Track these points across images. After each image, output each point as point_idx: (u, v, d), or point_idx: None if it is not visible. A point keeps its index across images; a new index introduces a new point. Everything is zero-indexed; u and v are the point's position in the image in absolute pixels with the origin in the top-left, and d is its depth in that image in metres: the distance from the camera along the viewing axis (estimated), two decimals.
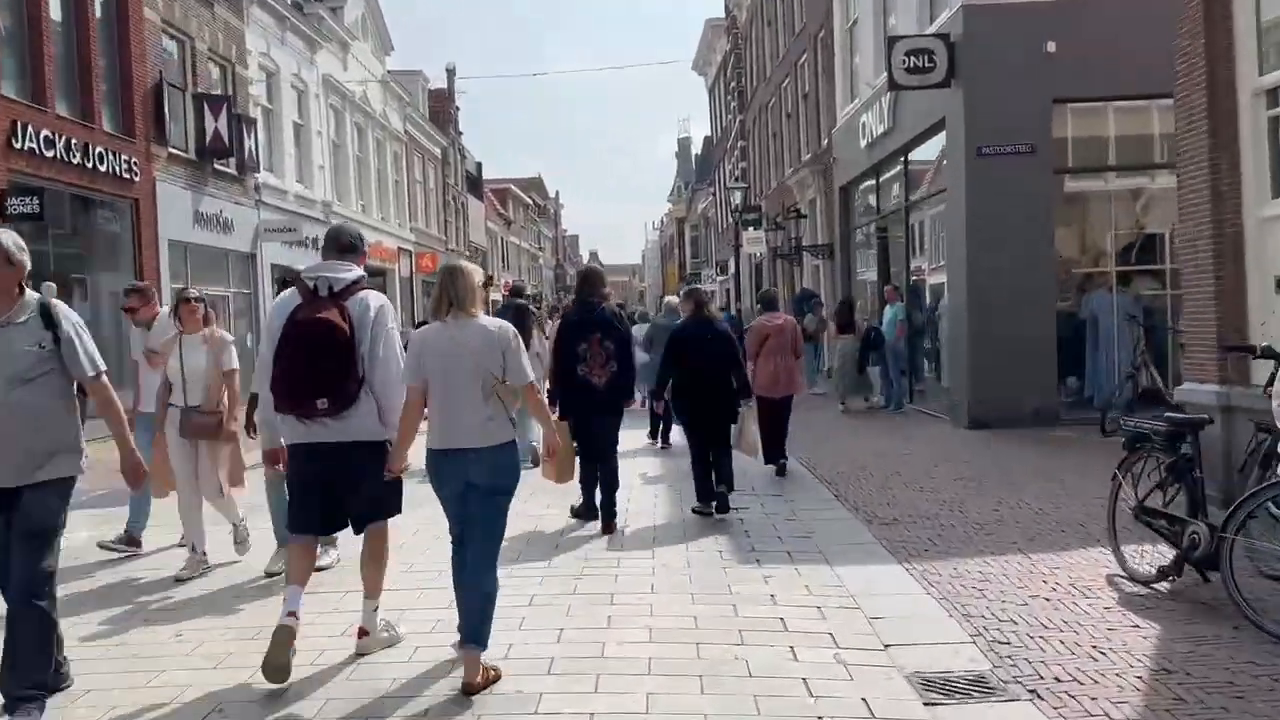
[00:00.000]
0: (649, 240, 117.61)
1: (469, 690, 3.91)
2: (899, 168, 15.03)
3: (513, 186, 61.23)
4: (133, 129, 15.09)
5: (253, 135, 19.12)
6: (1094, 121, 12.09)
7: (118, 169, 14.42)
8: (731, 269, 37.49)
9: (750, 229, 28.24)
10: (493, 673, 4.01)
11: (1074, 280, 12.44)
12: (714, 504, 7.29)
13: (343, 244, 4.50)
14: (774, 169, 27.26)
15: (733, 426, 7.62)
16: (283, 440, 4.42)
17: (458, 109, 42.88)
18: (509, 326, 4.23)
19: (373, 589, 4.47)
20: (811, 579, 5.52)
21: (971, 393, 11.71)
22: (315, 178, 23.30)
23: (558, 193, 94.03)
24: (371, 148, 28.28)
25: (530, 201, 67.92)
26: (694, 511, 7.31)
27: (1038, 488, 8.01)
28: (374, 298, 4.34)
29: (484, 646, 4.02)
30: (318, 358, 4.09)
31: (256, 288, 19.47)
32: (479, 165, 49.75)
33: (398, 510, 4.50)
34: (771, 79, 26.43)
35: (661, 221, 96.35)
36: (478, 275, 4.33)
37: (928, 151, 13.92)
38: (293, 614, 4.08)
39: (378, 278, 28.66)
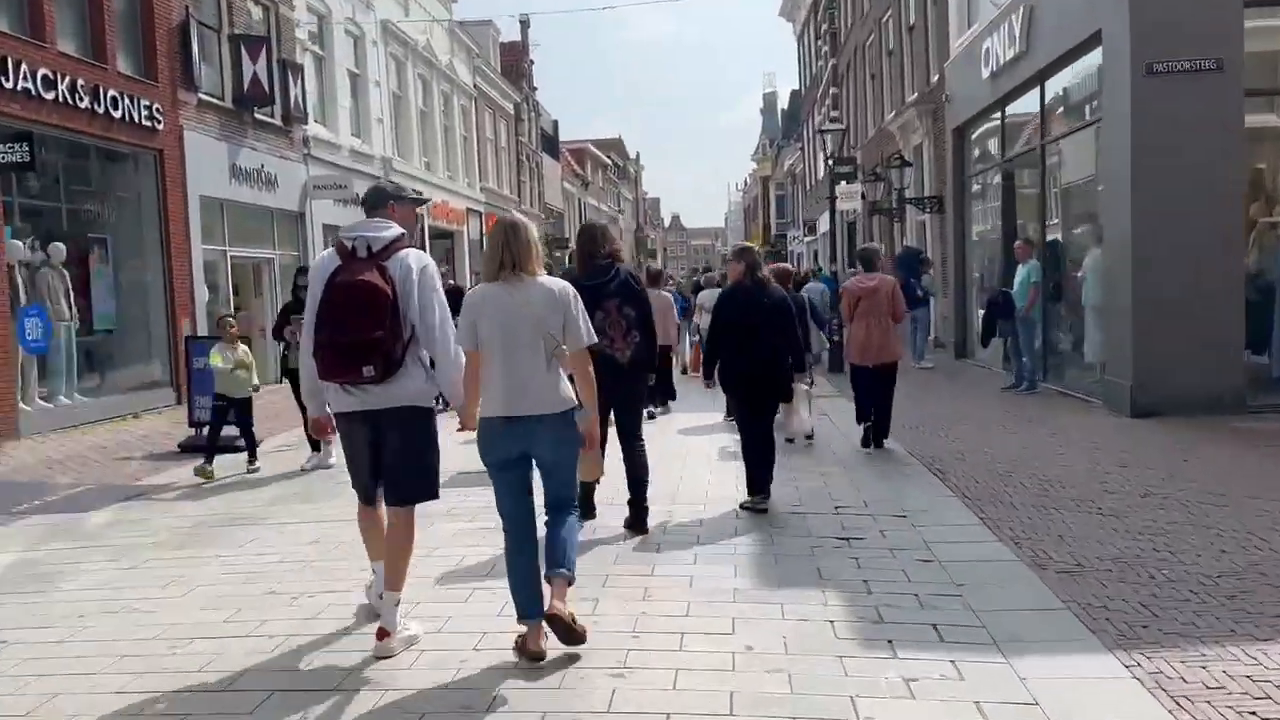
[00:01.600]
0: (732, 202, 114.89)
1: (554, 619, 3.81)
2: (1033, 99, 12.57)
3: (590, 146, 59.26)
4: (155, 71, 13.56)
5: (299, 83, 17.54)
6: None
7: (136, 116, 12.91)
8: (823, 227, 34.96)
9: (844, 182, 25.74)
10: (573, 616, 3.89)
11: (1263, 232, 9.95)
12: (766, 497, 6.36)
13: (377, 200, 4.24)
14: (872, 115, 24.69)
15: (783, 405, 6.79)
16: (329, 408, 4.21)
17: (532, 63, 40.99)
18: (570, 287, 3.98)
19: (395, 581, 4.09)
20: (982, 686, 3.51)
21: (1136, 373, 9.39)
22: (373, 131, 21.71)
23: (638, 154, 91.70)
24: (437, 101, 26.60)
25: (609, 162, 65.89)
26: (742, 507, 6.33)
27: (1276, 510, 5.81)
28: (416, 256, 4.07)
29: (573, 573, 3.93)
30: (361, 323, 3.85)
31: (305, 249, 17.97)
32: (555, 123, 47.86)
33: (433, 494, 4.20)
34: (869, 14, 23.81)
35: (745, 182, 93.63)
36: (535, 231, 4.02)
37: (1072, 76, 11.47)
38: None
39: (444, 240, 27.14)
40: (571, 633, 3.82)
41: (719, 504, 6.59)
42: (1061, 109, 12.00)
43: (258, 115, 16.31)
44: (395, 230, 4.09)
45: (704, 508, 6.50)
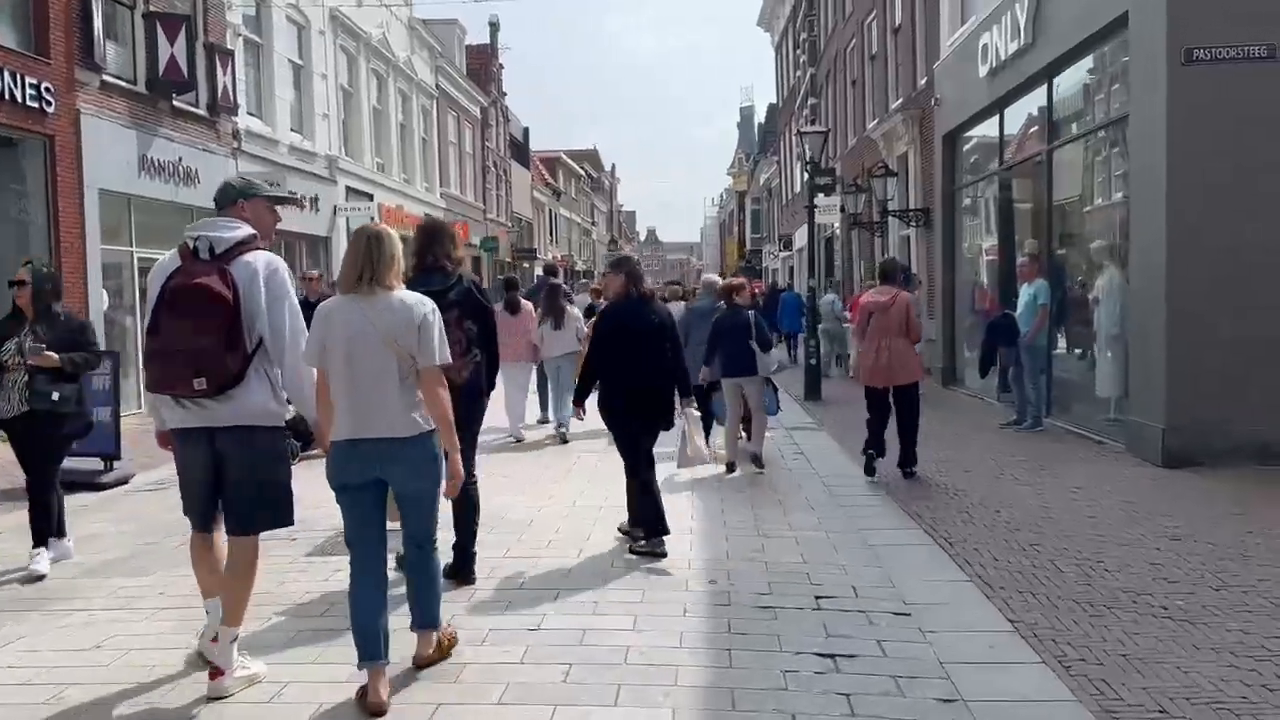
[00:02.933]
0: (707, 217, 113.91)
1: (421, 664, 3.85)
2: (1038, 98, 11.18)
3: (564, 156, 57.74)
4: (46, 46, 11.89)
5: (229, 70, 15.90)
6: None
7: (20, 95, 11.24)
8: (800, 242, 33.63)
9: (822, 194, 24.36)
10: (448, 640, 3.98)
11: None
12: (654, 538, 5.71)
13: (224, 197, 3.93)
14: (853, 124, 23.35)
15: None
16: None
17: (501, 67, 39.50)
18: (427, 301, 3.69)
19: (234, 615, 3.73)
20: None
21: (1169, 413, 7.94)
22: (317, 127, 20.07)
23: (613, 166, 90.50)
24: (393, 100, 25.00)
25: (583, 173, 64.40)
26: (634, 552, 5.69)
27: None
28: (265, 260, 3.75)
29: (439, 625, 3.90)
30: (195, 329, 3.54)
31: None
32: (525, 130, 46.40)
33: (284, 520, 3.85)
34: (851, 16, 22.50)
35: (721, 197, 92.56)
36: (399, 244, 3.72)
37: (1088, 70, 10.08)
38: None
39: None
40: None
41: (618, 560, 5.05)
42: (1073, 109, 10.60)
43: (176, 103, 14.64)
44: (243, 230, 3.77)
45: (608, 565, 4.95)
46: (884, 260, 9.16)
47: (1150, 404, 8.20)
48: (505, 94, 40.18)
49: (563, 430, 10.22)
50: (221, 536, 3.89)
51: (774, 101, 48.02)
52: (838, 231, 24.71)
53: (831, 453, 9.49)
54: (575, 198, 61.94)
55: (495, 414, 7.12)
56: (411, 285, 3.95)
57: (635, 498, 5.84)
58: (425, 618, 3.84)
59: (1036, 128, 11.45)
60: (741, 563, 5.48)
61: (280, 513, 3.82)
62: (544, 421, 11.28)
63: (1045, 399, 10.23)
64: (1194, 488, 7.21)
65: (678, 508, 6.71)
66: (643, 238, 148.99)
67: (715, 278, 10.19)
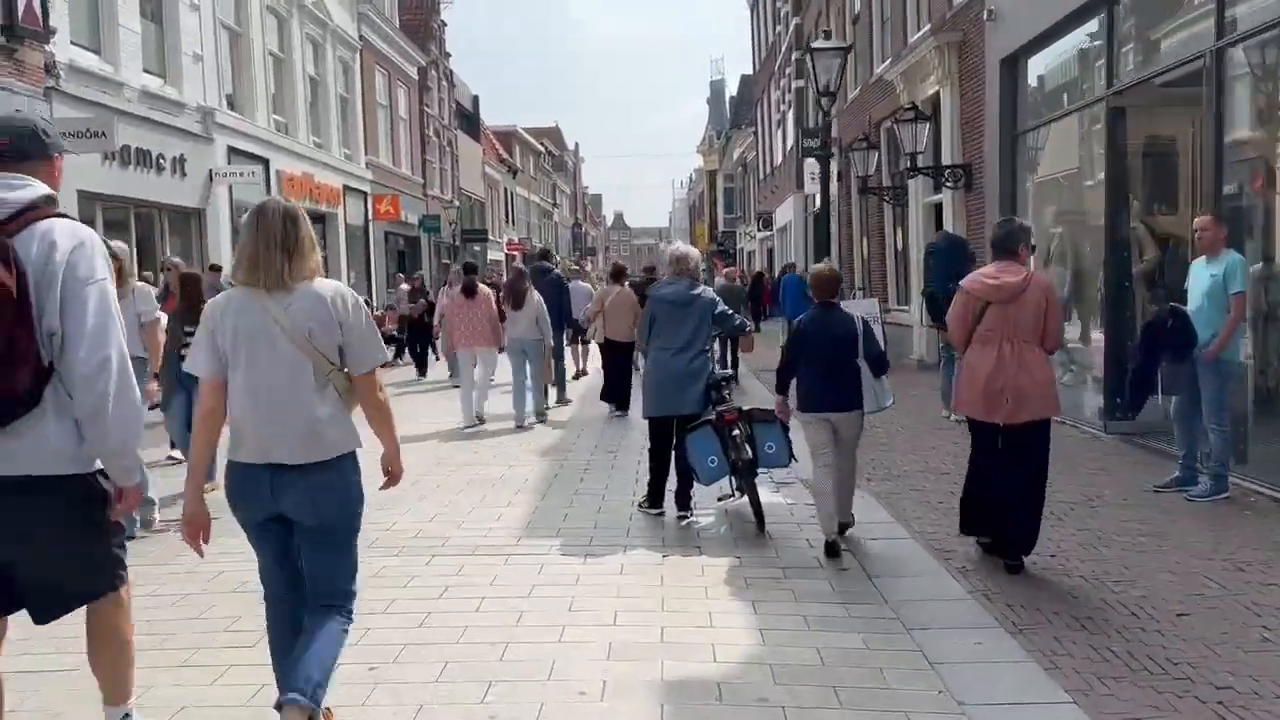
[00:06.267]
0: (676, 200, 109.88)
1: None
2: None
3: (520, 130, 53.36)
4: None
5: None
6: None
7: None
8: (783, 219, 29.76)
9: (813, 160, 20.49)
10: None
11: None
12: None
13: (1, 144, 2.74)
14: (853, 74, 19.42)
15: None
16: None
17: (443, 24, 35.15)
18: (350, 293, 3.00)
19: (119, 692, 2.97)
20: None
21: None
22: (186, 71, 15.81)
23: (577, 145, 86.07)
24: (299, 46, 20.73)
25: (542, 149, 60.08)
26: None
27: None
28: (65, 231, 2.68)
29: (317, 705, 2.84)
30: None
31: None
32: (475, 99, 42.09)
33: (115, 582, 2.87)
34: None
35: (690, 178, 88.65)
36: (309, 223, 3.02)
37: None
38: None
39: (315, 224, 21.21)
40: None
41: None
42: None
43: None
44: (34, 189, 2.70)
45: None
46: (1000, 224, 5.40)
47: None
48: (449, 55, 35.86)
49: (531, 422, 10.27)
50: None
51: (748, 72, 44.26)
52: (833, 203, 20.79)
53: (881, 530, 5.73)
54: (534, 176, 57.66)
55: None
56: None
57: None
58: (302, 684, 2.80)
59: (1190, 19, 7.57)
60: None
61: (103, 576, 2.81)
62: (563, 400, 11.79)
63: (1233, 446, 6.36)
64: None
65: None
66: (609, 222, 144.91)
67: (688, 249, 6.24)
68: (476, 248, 37.23)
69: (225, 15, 17.53)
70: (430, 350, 17.11)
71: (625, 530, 5.86)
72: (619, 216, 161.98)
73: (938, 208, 13.89)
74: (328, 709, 3.05)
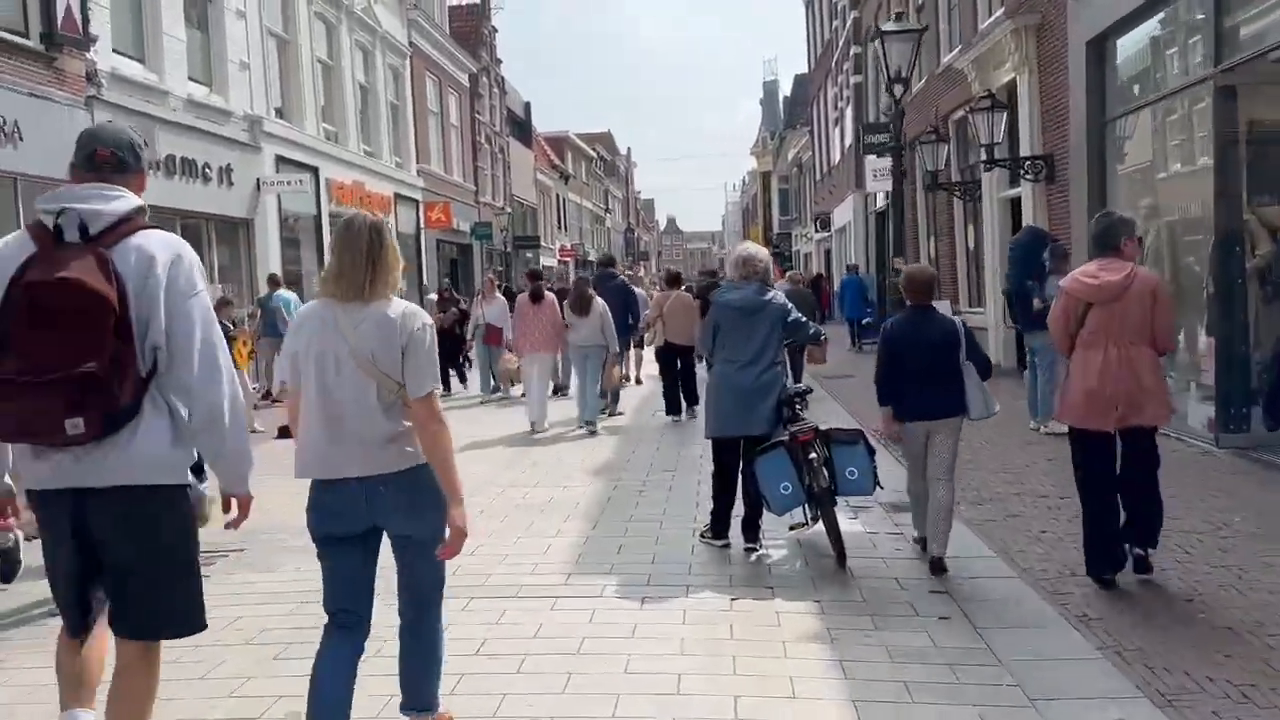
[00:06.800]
0: (729, 203, 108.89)
1: None
2: None
3: (572, 136, 53.03)
4: None
5: None
6: None
7: None
8: (842, 220, 28.87)
9: (874, 157, 19.68)
10: None
11: None
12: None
13: (100, 155, 2.72)
14: (917, 65, 18.55)
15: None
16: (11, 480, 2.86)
17: (494, 30, 34.90)
18: (418, 313, 3.01)
19: None
20: None
21: None
22: (233, 79, 15.58)
23: (629, 150, 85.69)
24: (348, 53, 20.49)
25: (594, 154, 59.70)
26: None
27: None
28: (161, 243, 2.68)
29: (435, 709, 3.15)
30: (64, 344, 2.48)
31: None
32: (527, 106, 41.82)
33: (195, 625, 2.80)
34: None
35: (743, 181, 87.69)
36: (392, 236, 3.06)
37: None
38: None
39: None
40: None
41: None
42: None
43: None
44: (128, 200, 2.69)
45: None
46: (1099, 217, 4.91)
47: None
48: (500, 61, 35.60)
49: (592, 428, 10.21)
50: (103, 638, 2.78)
51: (802, 71, 43.42)
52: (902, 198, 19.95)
53: (982, 567, 5.00)
54: (586, 182, 57.30)
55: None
56: None
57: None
58: (421, 699, 3.12)
59: None
60: None
61: (188, 613, 2.77)
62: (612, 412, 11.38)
63: None
64: None
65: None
66: (662, 226, 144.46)
67: (756, 249, 5.62)
68: (529, 254, 36.90)
69: (273, 22, 17.32)
70: (464, 361, 16.15)
71: (687, 566, 5.22)
72: (671, 221, 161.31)
73: (1014, 202, 13.03)
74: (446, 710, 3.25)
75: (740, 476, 5.43)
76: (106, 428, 2.55)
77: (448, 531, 2.95)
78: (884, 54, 9.94)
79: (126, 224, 2.66)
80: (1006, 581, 4.82)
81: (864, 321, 20.25)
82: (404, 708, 3.14)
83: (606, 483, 7.60)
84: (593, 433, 10.10)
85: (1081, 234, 10.20)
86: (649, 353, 13.01)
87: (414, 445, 2.96)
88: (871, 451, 5.14)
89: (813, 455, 5.02)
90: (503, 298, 13.75)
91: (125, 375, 2.56)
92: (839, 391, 12.25)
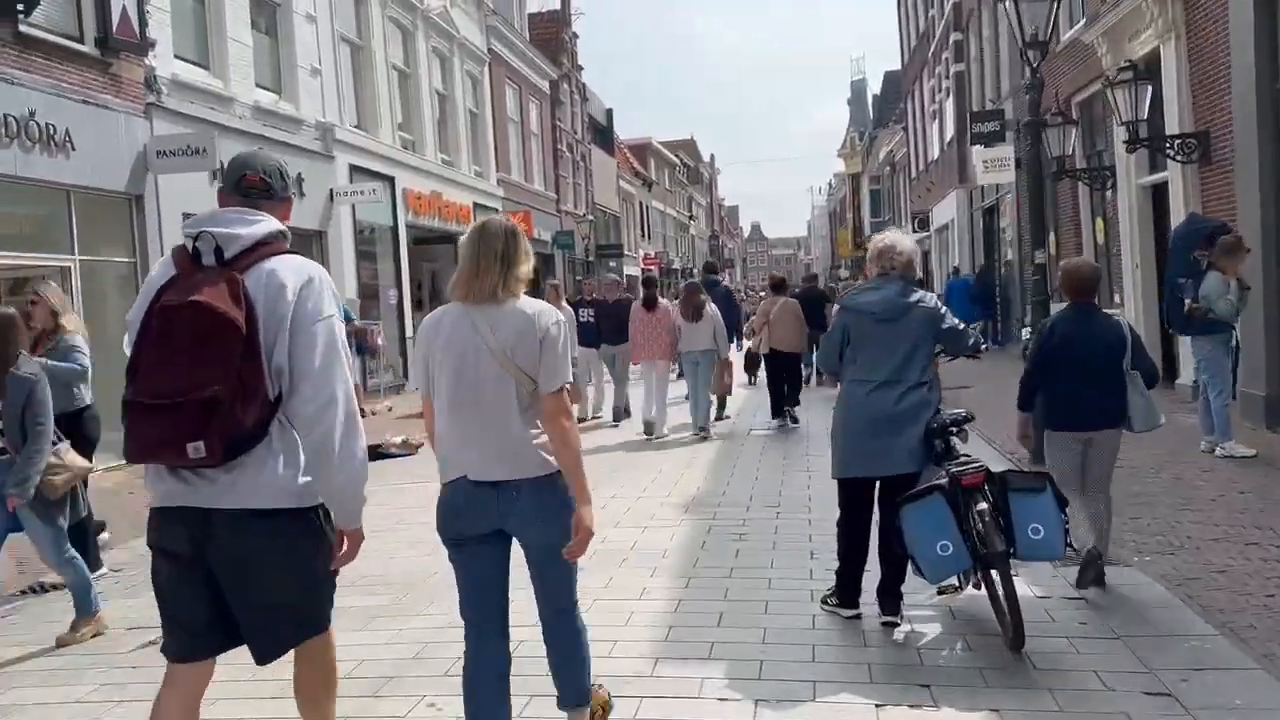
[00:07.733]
0: (815, 208, 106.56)
1: None
2: None
3: (654, 142, 52.10)
4: None
5: None
6: None
7: None
8: (943, 217, 27.18)
9: (982, 146, 18.13)
10: (602, 708, 3.32)
11: None
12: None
13: (249, 181, 2.78)
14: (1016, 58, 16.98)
15: None
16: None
17: (575, 36, 34.18)
18: (551, 311, 3.05)
19: None
20: None
21: None
22: (303, 86, 14.99)
23: (712, 156, 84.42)
24: (424, 59, 19.85)
25: (678, 161, 58.68)
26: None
27: None
28: (293, 267, 2.66)
29: (589, 700, 3.20)
30: (191, 367, 2.47)
31: (144, 248, 11.24)
32: (609, 113, 41.03)
33: (322, 624, 2.78)
34: None
35: (830, 184, 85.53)
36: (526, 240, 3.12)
37: None
38: None
39: (441, 244, 20.20)
40: None
41: None
42: None
43: (26, 28, 9.70)
44: (266, 224, 2.68)
45: None
46: None
47: None
48: (581, 68, 34.86)
49: (704, 431, 10.29)
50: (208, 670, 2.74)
51: (892, 68, 41.72)
52: (1012, 191, 18.40)
53: (1209, 654, 3.69)
54: (670, 189, 56.31)
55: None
56: None
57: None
58: (573, 695, 3.18)
59: None
60: None
61: (312, 620, 2.76)
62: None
63: None
64: None
65: None
66: (746, 233, 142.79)
67: (898, 238, 4.46)
68: (611, 263, 36.03)
69: (345, 28, 16.73)
70: None
71: (809, 649, 4.04)
72: (755, 227, 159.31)
73: (1157, 188, 11.46)
74: (598, 684, 3.29)
75: (876, 530, 4.24)
76: (229, 452, 2.51)
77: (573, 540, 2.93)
78: (1017, 18, 8.61)
79: (264, 247, 2.64)
80: (1250, 676, 3.51)
81: (974, 326, 18.68)
82: (559, 703, 3.18)
83: (699, 521, 6.46)
84: (705, 438, 10.14)
85: (1251, 222, 8.67)
86: (738, 359, 13.07)
87: (550, 452, 2.96)
88: (1063, 503, 3.90)
89: (983, 505, 3.79)
90: (569, 307, 12.91)
91: (250, 399, 2.52)
92: (956, 405, 10.88)
